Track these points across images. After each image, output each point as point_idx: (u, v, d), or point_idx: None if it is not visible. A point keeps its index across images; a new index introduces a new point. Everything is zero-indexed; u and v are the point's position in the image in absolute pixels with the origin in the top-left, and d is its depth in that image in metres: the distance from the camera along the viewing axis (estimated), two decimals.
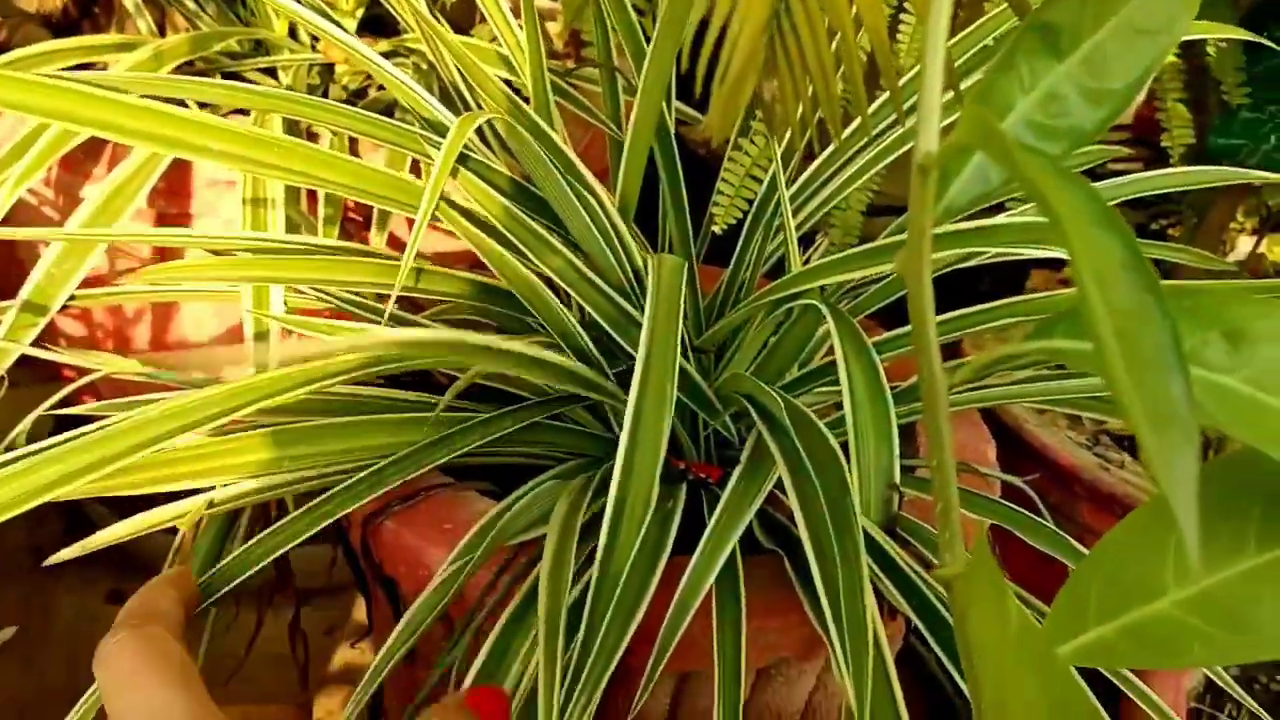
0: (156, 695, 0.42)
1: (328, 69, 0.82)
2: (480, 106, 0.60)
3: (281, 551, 0.51)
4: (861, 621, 0.42)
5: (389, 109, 0.77)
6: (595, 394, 0.55)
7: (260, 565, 0.52)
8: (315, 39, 0.81)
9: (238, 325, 0.82)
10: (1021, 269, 1.09)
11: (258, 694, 0.89)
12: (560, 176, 0.58)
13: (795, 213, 0.67)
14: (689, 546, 0.52)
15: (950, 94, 0.60)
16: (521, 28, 0.65)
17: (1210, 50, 0.86)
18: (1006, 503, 0.59)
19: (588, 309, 0.56)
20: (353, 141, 0.73)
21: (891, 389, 0.56)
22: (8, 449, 0.51)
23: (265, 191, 0.67)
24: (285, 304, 0.60)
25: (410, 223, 0.77)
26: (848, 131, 0.66)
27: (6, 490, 0.45)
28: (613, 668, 0.45)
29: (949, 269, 0.65)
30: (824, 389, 0.65)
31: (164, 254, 0.73)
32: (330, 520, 0.51)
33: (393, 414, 0.52)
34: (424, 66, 0.80)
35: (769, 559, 0.55)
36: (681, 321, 0.58)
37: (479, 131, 0.61)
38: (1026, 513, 0.58)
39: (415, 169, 0.70)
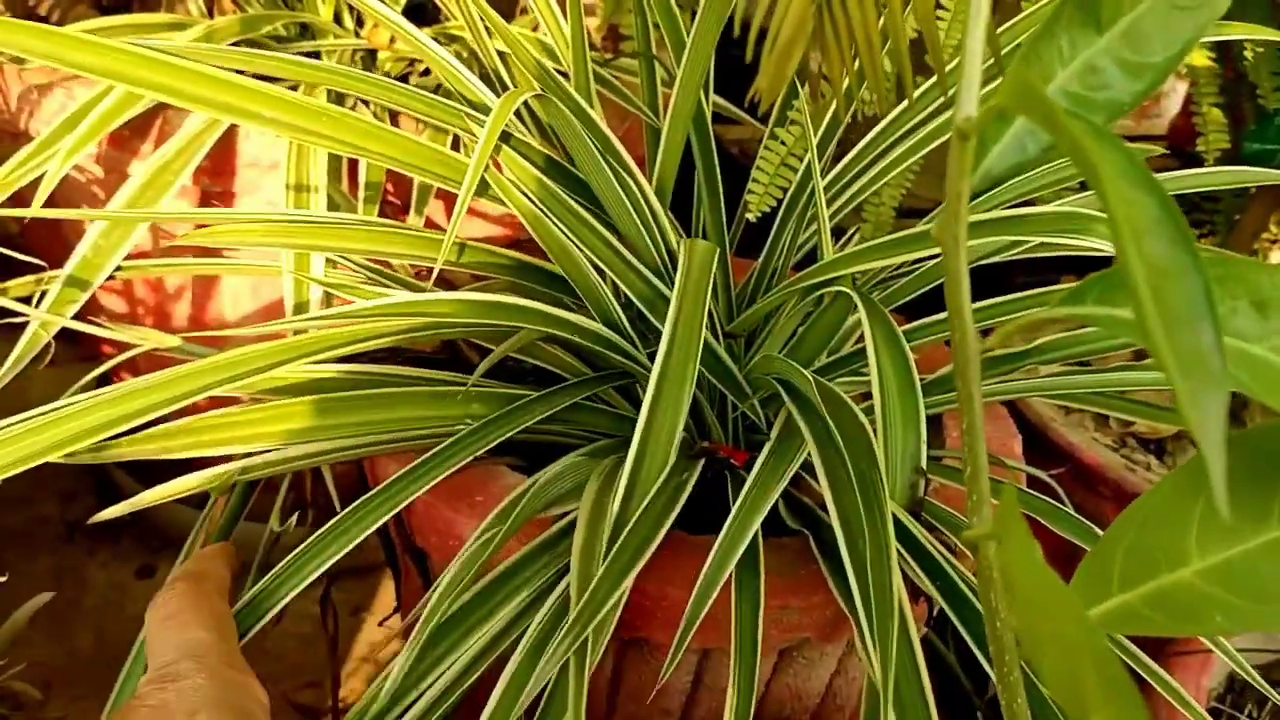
0: (191, 634, 0.44)
1: (370, 55, 0.83)
2: (518, 86, 0.61)
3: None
4: (888, 592, 0.42)
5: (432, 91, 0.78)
6: (629, 364, 0.56)
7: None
8: (359, 25, 0.82)
9: (274, 304, 0.83)
10: (1054, 272, 1.09)
11: (285, 670, 0.91)
12: (600, 156, 0.59)
13: (829, 204, 0.68)
14: (715, 528, 0.53)
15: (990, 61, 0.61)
16: (565, 15, 0.66)
17: (1247, 55, 0.86)
18: (1033, 492, 0.60)
19: (622, 287, 0.57)
20: (394, 121, 0.74)
21: (920, 379, 0.56)
22: None
23: (308, 175, 0.69)
24: (324, 275, 0.61)
25: (447, 207, 0.78)
26: (894, 113, 0.67)
27: (39, 439, 0.46)
28: (593, 628, 0.46)
29: (981, 261, 0.66)
30: (852, 377, 0.66)
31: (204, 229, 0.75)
32: (396, 510, 0.52)
33: (427, 386, 0.53)
34: (465, 54, 0.81)
35: (794, 539, 0.56)
36: (711, 305, 0.59)
37: (517, 114, 0.62)
38: (1051, 501, 0.58)
39: (455, 149, 0.71)
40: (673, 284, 0.55)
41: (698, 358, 0.51)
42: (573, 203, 0.58)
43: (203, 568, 0.51)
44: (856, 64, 0.39)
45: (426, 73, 0.84)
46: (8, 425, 0.49)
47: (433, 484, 0.56)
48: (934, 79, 0.68)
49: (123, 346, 0.62)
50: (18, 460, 0.47)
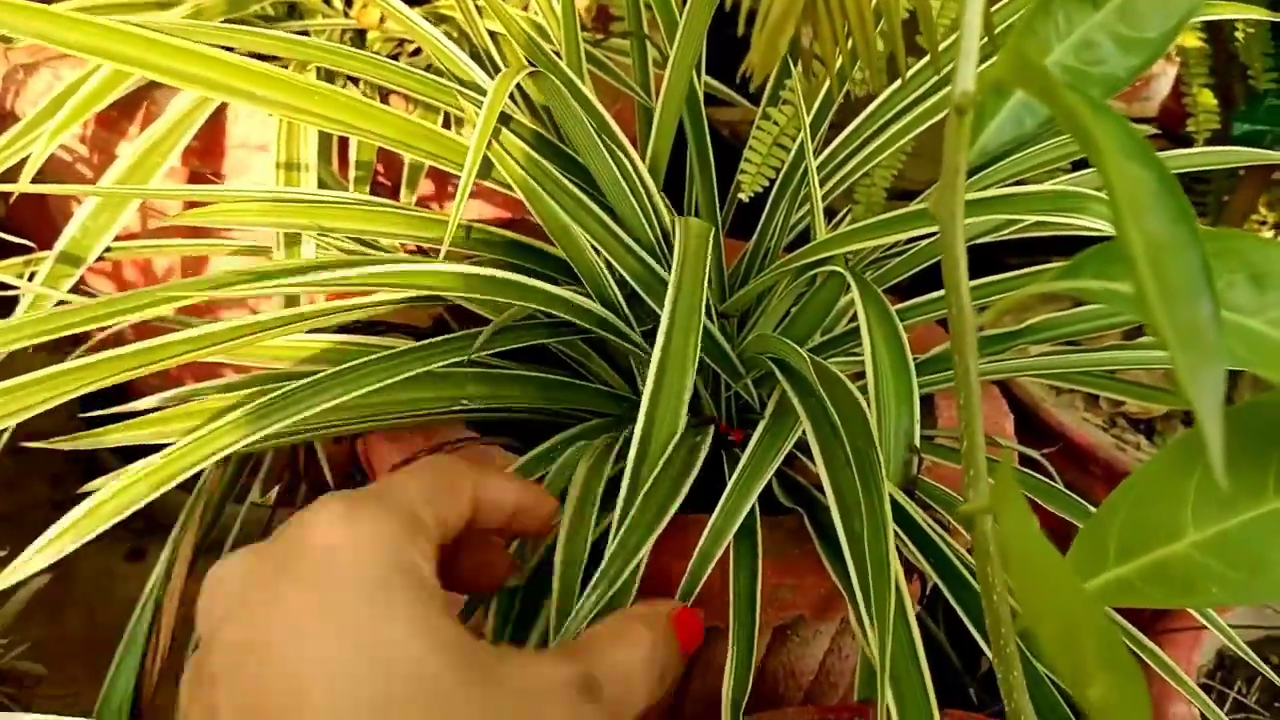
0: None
1: (359, 35, 0.83)
2: (511, 67, 0.61)
3: None
4: (885, 568, 0.43)
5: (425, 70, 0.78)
6: (625, 344, 0.56)
7: None
8: (348, 4, 0.81)
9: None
10: (1043, 258, 1.09)
11: None
12: (595, 135, 0.58)
13: (821, 184, 0.67)
14: (709, 506, 0.53)
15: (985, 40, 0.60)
16: None
17: (1238, 35, 0.86)
18: (1026, 470, 0.60)
19: (618, 267, 0.57)
20: (384, 101, 0.74)
21: (913, 359, 0.56)
22: None
23: (298, 154, 0.68)
24: (315, 257, 0.61)
25: (438, 186, 0.78)
26: (887, 93, 0.67)
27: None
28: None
29: (974, 241, 0.66)
30: (845, 357, 0.66)
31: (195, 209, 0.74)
32: None
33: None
34: (455, 34, 0.80)
35: (788, 518, 0.56)
36: (706, 285, 0.59)
37: (509, 95, 0.62)
38: (1043, 479, 0.59)
39: (445, 128, 0.71)
40: (667, 264, 0.55)
41: (699, 333, 0.51)
42: (568, 182, 0.58)
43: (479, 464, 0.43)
44: (849, 42, 0.39)
45: (417, 53, 0.84)
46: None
47: None
48: (926, 59, 0.68)
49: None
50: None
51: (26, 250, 0.63)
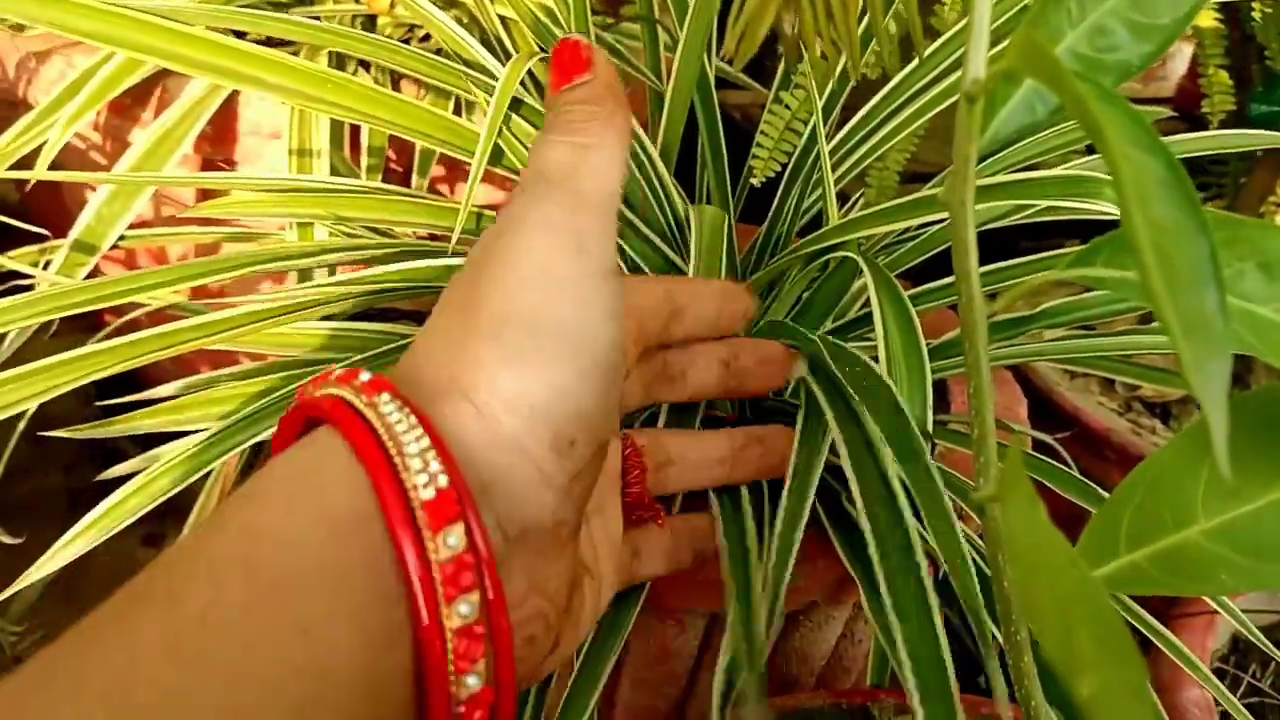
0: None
1: (369, 20, 0.83)
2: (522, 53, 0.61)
3: None
4: (909, 551, 0.43)
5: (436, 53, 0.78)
6: None
7: None
8: None
9: (279, 275, 0.83)
10: (1057, 242, 1.09)
11: None
12: None
13: (833, 169, 0.67)
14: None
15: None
16: None
17: (1255, 15, 0.85)
18: (1038, 455, 0.60)
19: (631, 254, 0.57)
20: (395, 87, 0.74)
21: (925, 344, 0.56)
22: None
23: (310, 141, 0.68)
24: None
25: (449, 171, 0.78)
26: (901, 75, 0.67)
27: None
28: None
29: (986, 227, 0.65)
30: (858, 343, 0.66)
31: (210, 199, 0.74)
32: None
33: None
34: (465, 20, 0.80)
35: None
36: (721, 274, 0.59)
37: (520, 80, 0.62)
38: (1056, 464, 0.58)
39: (457, 113, 0.71)
40: (678, 249, 0.55)
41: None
42: None
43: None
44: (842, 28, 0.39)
45: (426, 39, 0.84)
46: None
47: None
48: (941, 40, 0.68)
49: (123, 313, 0.62)
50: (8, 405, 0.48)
51: (41, 238, 0.63)
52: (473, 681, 0.32)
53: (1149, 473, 0.32)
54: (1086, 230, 0.99)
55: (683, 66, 0.63)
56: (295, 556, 0.31)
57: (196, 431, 0.53)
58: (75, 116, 0.63)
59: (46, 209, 0.86)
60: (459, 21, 0.72)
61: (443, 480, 0.32)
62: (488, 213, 0.58)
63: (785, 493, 0.51)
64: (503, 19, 0.66)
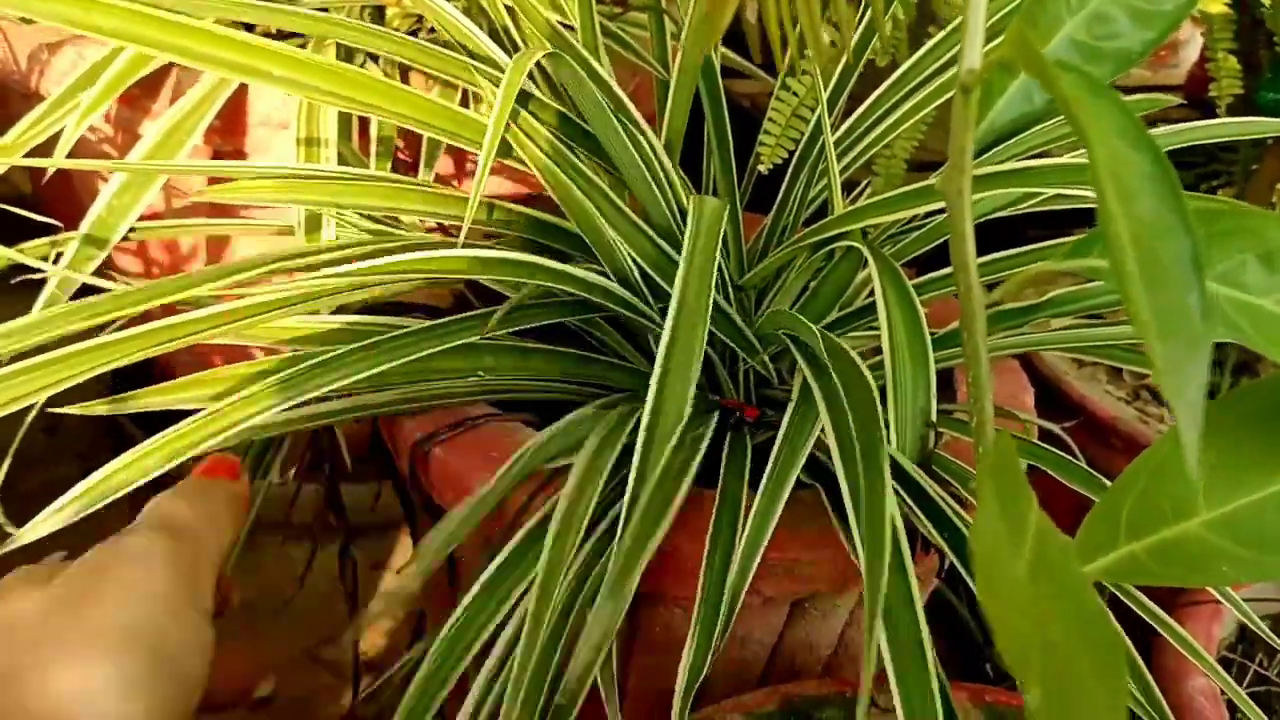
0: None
1: (378, 12, 0.83)
2: (528, 45, 0.61)
3: None
4: (881, 548, 0.43)
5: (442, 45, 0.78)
6: (642, 320, 0.56)
7: None
8: None
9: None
10: (1066, 230, 1.08)
11: (305, 627, 0.92)
12: (612, 115, 0.58)
13: (840, 157, 0.67)
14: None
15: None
16: None
17: (1264, 1, 0.85)
18: (1043, 445, 0.60)
19: (629, 249, 0.57)
20: (404, 78, 0.74)
21: (930, 334, 0.56)
22: None
23: (318, 131, 0.69)
24: (336, 237, 0.61)
25: (457, 162, 0.78)
26: (907, 65, 0.67)
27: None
28: (635, 582, 0.46)
29: (993, 215, 0.65)
30: (863, 332, 0.66)
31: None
32: None
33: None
34: (473, 10, 0.80)
35: (805, 493, 0.56)
36: (722, 260, 0.59)
37: (527, 72, 0.62)
38: (1061, 453, 0.58)
39: (464, 104, 0.71)
40: (678, 243, 0.55)
41: (707, 317, 0.51)
42: (583, 163, 0.58)
43: (202, 528, 0.48)
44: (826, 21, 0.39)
45: (434, 30, 0.84)
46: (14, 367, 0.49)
47: (446, 437, 0.56)
48: (948, 29, 0.67)
49: None
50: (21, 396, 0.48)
51: (53, 229, 0.64)
52: None
53: (1149, 463, 0.32)
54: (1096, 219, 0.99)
55: (688, 55, 0.63)
56: None
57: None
58: (90, 109, 0.64)
59: (58, 201, 0.87)
60: (465, 12, 0.72)
61: None
62: (498, 203, 0.58)
63: (772, 458, 0.52)
64: (509, 9, 0.66)
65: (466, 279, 0.58)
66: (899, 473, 0.52)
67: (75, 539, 0.54)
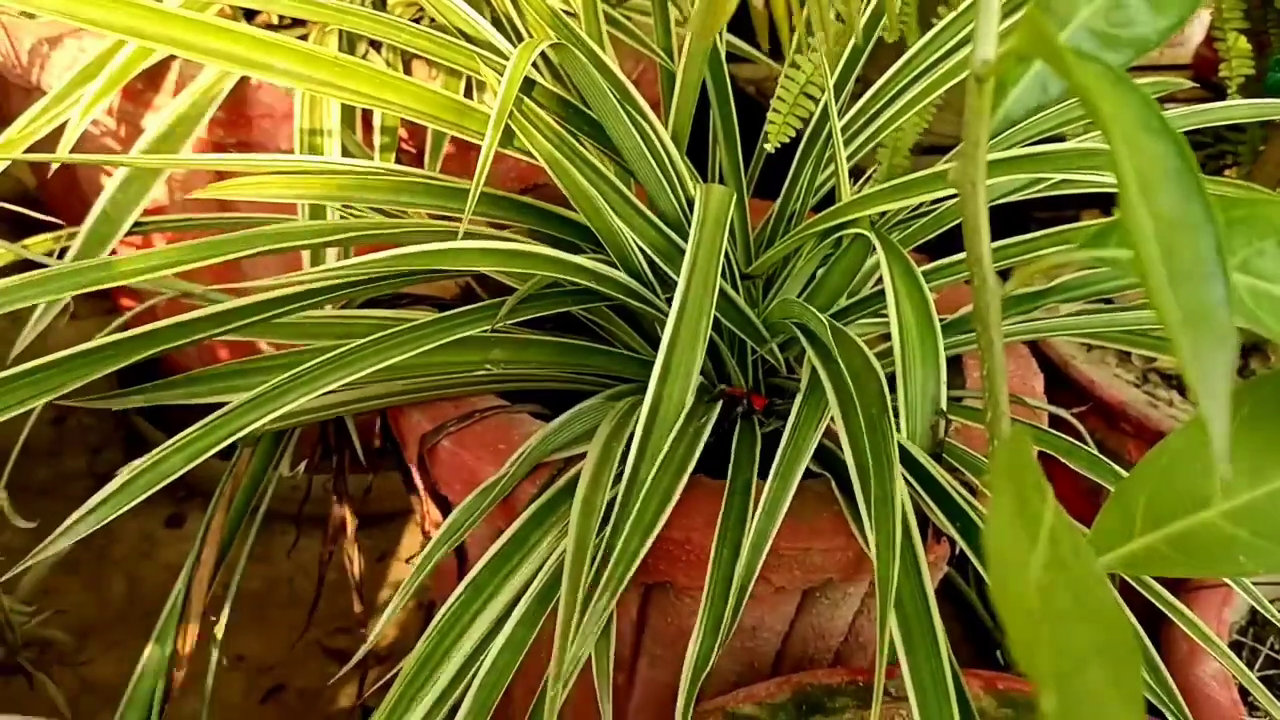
0: None
1: (380, 1, 0.83)
2: (532, 34, 0.61)
3: None
4: (892, 540, 0.43)
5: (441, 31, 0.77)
6: (649, 309, 0.56)
7: None
8: None
9: (293, 256, 0.83)
10: (1073, 210, 1.08)
11: (316, 617, 0.92)
12: (616, 102, 0.58)
13: (848, 143, 0.67)
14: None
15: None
16: None
17: None
18: (1053, 432, 0.60)
19: (636, 239, 0.57)
20: (406, 67, 0.74)
21: (940, 320, 0.56)
22: None
23: (322, 122, 0.68)
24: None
25: (461, 149, 0.78)
26: (915, 49, 0.66)
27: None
28: (632, 572, 0.46)
29: (1000, 200, 0.65)
30: (872, 319, 0.66)
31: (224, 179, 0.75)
32: None
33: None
34: None
35: (816, 482, 0.56)
36: (729, 248, 0.58)
37: (532, 61, 0.61)
38: (1069, 439, 0.58)
39: (468, 93, 0.70)
40: (689, 233, 0.55)
41: (711, 309, 0.51)
42: (590, 152, 0.58)
43: None
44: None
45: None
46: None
47: (455, 429, 0.56)
48: (959, 9, 0.67)
49: (141, 298, 0.62)
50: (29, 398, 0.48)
51: (56, 227, 0.64)
52: None
53: (1165, 454, 0.32)
54: (1105, 200, 0.98)
55: (693, 43, 0.63)
56: None
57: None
58: (93, 103, 0.64)
59: (63, 196, 0.87)
60: (468, 1, 0.72)
61: None
62: (497, 192, 0.58)
63: (782, 446, 0.52)
64: None
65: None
66: (909, 461, 0.52)
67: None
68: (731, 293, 0.59)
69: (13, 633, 0.67)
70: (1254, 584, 0.60)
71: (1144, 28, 0.32)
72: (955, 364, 0.70)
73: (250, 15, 0.76)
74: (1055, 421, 0.66)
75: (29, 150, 0.66)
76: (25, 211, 0.63)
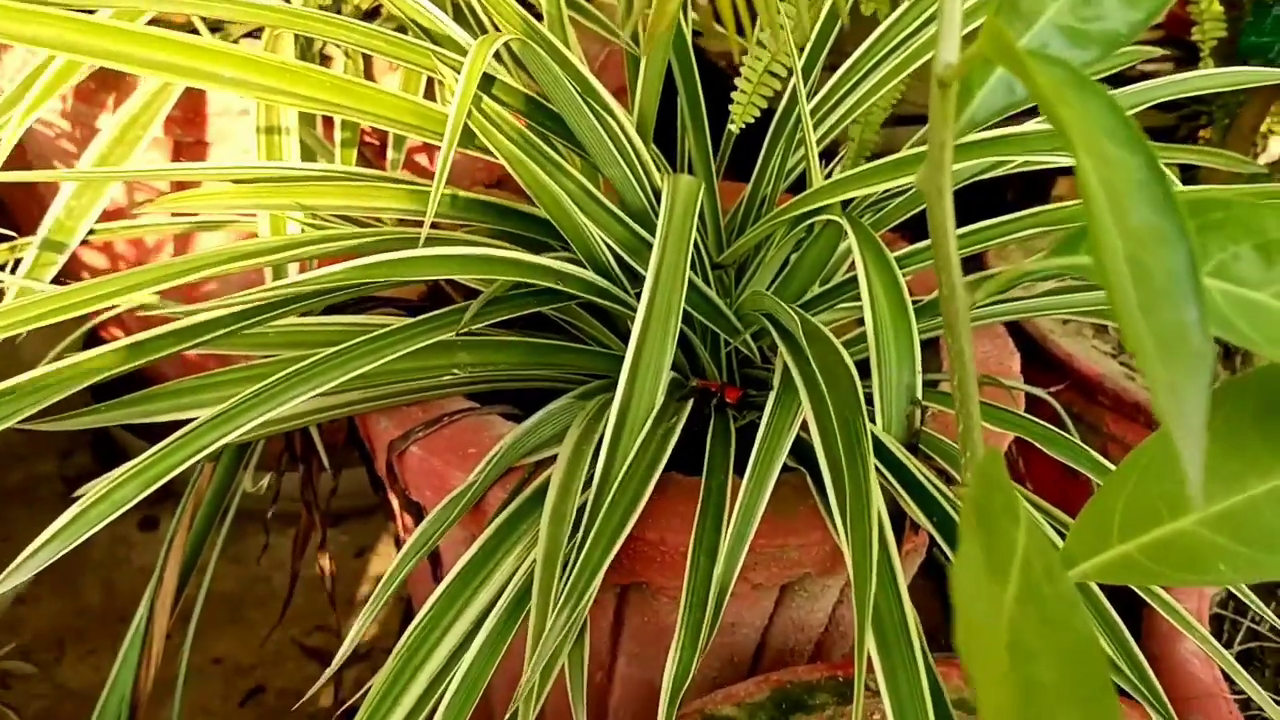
0: None
1: None
2: (495, 25, 0.59)
3: None
4: (868, 541, 0.42)
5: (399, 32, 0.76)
6: (617, 306, 0.55)
7: None
8: None
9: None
10: (1047, 178, 1.07)
11: (293, 615, 0.91)
12: (578, 97, 0.57)
13: (818, 125, 0.66)
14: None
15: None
16: None
17: None
18: (1028, 416, 0.59)
19: (600, 234, 0.56)
20: (367, 67, 0.72)
21: (915, 303, 0.55)
22: None
23: (279, 119, 0.66)
24: (302, 232, 0.60)
25: (427, 144, 0.76)
26: (886, 24, 0.65)
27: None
28: (602, 573, 0.45)
29: (973, 179, 0.64)
30: (848, 304, 0.65)
31: (183, 184, 0.73)
32: None
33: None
34: None
35: (791, 476, 0.55)
36: (699, 238, 0.57)
37: (494, 53, 0.60)
38: (1048, 425, 0.58)
39: (429, 92, 0.69)
40: (654, 226, 0.54)
41: (680, 305, 0.50)
42: (553, 150, 0.57)
43: None
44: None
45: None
46: None
47: (423, 435, 0.55)
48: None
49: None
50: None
51: (9, 238, 0.62)
52: None
53: (1141, 459, 0.31)
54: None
55: (654, 29, 0.61)
56: None
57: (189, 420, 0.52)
58: (31, 108, 0.62)
59: (21, 201, 0.85)
60: None
61: None
62: (460, 193, 0.57)
63: (757, 446, 0.51)
64: None
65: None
66: (884, 453, 0.51)
67: None
68: (702, 285, 0.58)
69: None
70: None
71: (1114, 22, 0.30)
72: (931, 346, 0.70)
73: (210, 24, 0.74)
74: (1033, 397, 0.66)
75: None
76: None
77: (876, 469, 0.48)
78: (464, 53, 0.54)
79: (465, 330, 0.53)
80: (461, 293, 0.62)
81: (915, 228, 0.68)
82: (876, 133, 0.78)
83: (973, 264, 0.83)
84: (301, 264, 0.59)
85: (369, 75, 0.74)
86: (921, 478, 0.50)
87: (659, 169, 0.61)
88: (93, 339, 0.70)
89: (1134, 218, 0.22)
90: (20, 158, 0.62)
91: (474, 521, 0.54)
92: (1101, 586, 0.54)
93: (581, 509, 0.48)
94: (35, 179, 0.63)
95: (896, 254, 0.58)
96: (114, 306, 0.60)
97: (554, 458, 0.52)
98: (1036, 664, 0.22)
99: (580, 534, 0.46)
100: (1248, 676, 0.54)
